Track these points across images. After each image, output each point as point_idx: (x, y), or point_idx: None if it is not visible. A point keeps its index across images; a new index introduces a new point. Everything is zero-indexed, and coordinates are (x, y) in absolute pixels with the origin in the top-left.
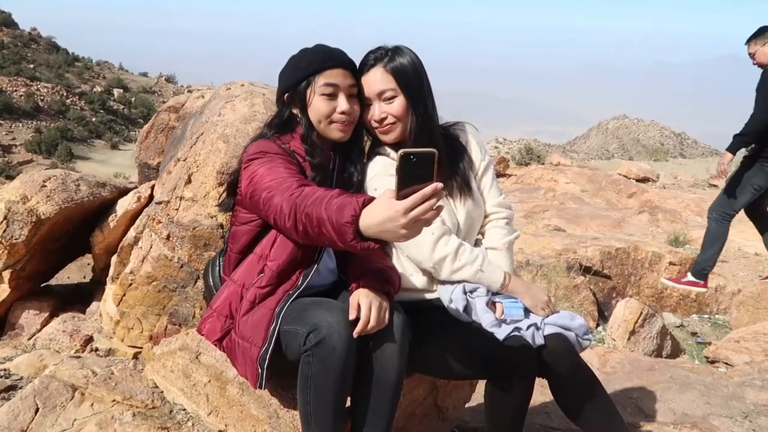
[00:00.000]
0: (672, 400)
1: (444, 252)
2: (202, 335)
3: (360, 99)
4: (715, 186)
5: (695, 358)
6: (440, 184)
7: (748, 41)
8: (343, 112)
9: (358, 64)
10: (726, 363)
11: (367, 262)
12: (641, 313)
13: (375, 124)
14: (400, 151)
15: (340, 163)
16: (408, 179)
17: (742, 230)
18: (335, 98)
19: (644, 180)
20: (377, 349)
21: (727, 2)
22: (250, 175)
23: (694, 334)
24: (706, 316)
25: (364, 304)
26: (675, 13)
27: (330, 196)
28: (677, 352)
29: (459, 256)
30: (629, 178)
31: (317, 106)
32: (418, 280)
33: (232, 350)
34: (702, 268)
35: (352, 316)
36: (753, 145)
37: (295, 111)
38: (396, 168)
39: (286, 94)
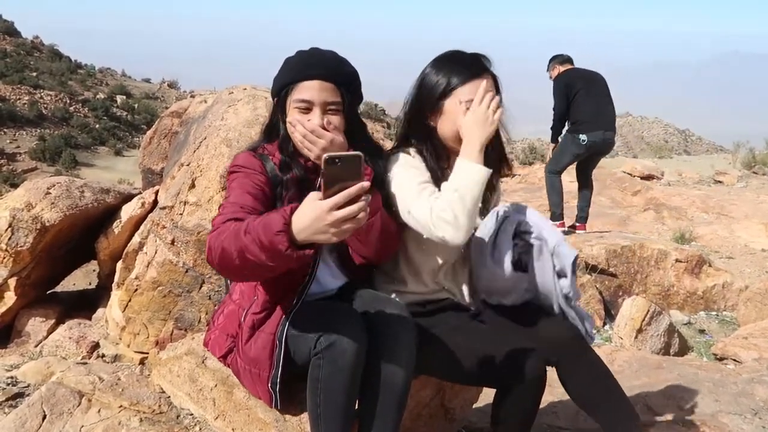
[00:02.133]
0: (680, 398)
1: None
2: (208, 349)
3: (345, 111)
4: (720, 182)
5: (703, 356)
6: (367, 184)
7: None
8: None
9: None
10: (734, 360)
11: None
12: (648, 311)
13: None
14: (325, 156)
15: None
16: (334, 181)
17: (747, 226)
18: (309, 113)
19: (649, 177)
20: (385, 351)
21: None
22: (228, 185)
23: (701, 331)
24: (713, 313)
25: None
26: (675, 12)
27: (248, 221)
28: (685, 349)
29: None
30: (634, 176)
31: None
32: (421, 287)
33: (238, 372)
34: (553, 212)
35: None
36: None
37: (279, 117)
38: (321, 172)
39: (275, 98)
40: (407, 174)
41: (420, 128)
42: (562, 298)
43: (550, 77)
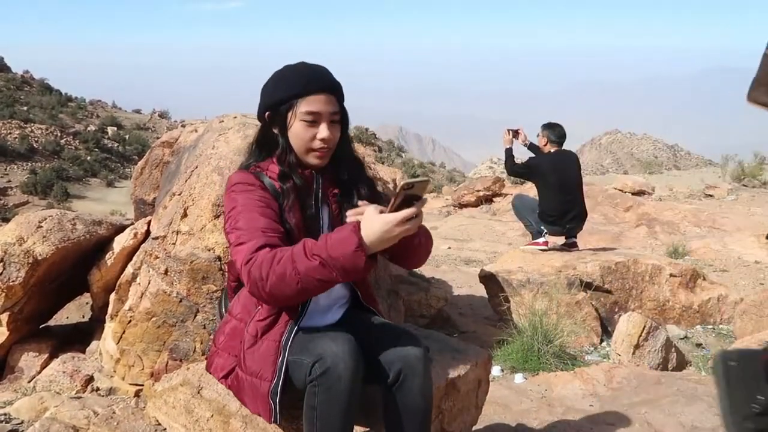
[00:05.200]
0: (680, 414)
1: None
2: (210, 373)
3: (343, 122)
4: (710, 196)
5: (702, 370)
6: (426, 198)
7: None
8: (323, 140)
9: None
10: None
11: None
12: (644, 326)
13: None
14: (403, 183)
15: (325, 183)
16: (404, 201)
17: (739, 239)
18: (316, 125)
19: (640, 193)
20: (405, 385)
21: (711, 15)
22: (227, 208)
23: (698, 345)
24: (709, 326)
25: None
26: (661, 29)
27: (304, 244)
28: (683, 364)
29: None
30: (625, 192)
31: (297, 131)
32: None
33: (239, 388)
34: (535, 232)
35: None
36: None
37: (275, 131)
38: (396, 194)
39: (267, 113)
40: None
41: None
42: None
43: (538, 144)
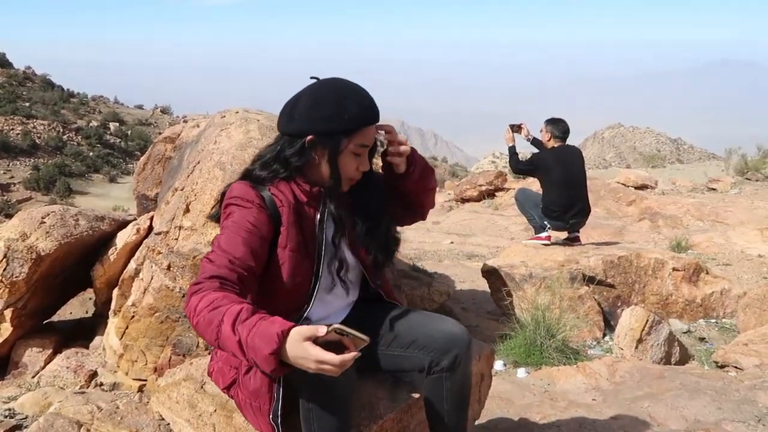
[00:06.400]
0: (683, 407)
1: None
2: (212, 380)
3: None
4: (714, 189)
5: (704, 364)
6: (357, 354)
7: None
8: (363, 171)
9: None
10: (736, 367)
11: None
12: (647, 320)
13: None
14: (336, 327)
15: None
16: (337, 344)
17: (743, 232)
18: (360, 156)
19: (643, 187)
20: (459, 365)
21: (714, 8)
22: (223, 217)
23: (701, 339)
24: (712, 320)
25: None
26: (663, 21)
27: (243, 313)
28: (686, 358)
29: None
30: (628, 186)
31: (346, 162)
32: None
33: (240, 405)
34: (538, 226)
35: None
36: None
37: (315, 156)
38: (327, 331)
39: (310, 137)
40: None
41: None
42: None
43: (541, 139)
